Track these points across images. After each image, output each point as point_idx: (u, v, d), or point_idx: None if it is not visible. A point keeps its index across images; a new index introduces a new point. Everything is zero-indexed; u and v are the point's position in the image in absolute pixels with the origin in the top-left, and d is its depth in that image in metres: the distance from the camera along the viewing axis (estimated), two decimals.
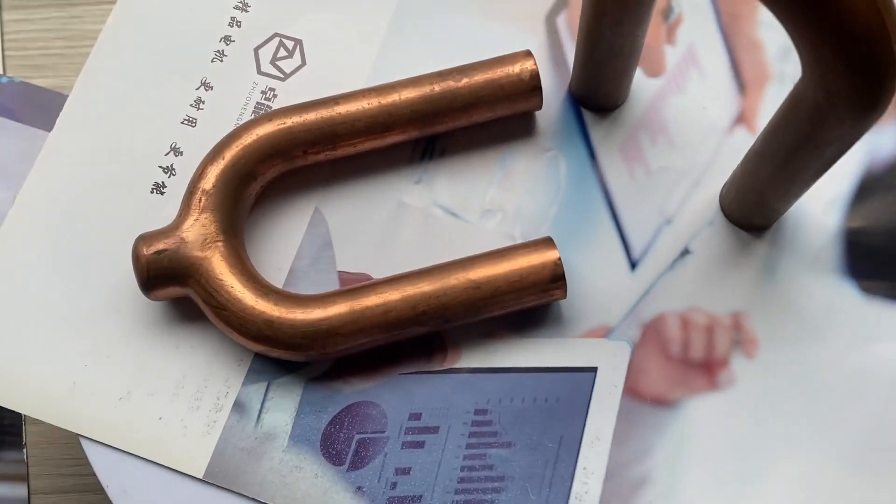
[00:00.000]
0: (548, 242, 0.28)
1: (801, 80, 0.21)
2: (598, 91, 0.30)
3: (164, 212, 0.30)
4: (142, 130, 0.31)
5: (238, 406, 0.28)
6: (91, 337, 0.29)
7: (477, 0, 0.33)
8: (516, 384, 0.28)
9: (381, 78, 0.32)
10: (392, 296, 0.27)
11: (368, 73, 0.32)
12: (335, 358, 0.28)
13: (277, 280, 0.29)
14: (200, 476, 0.27)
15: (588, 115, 0.31)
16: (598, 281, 0.29)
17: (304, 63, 0.32)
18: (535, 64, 0.29)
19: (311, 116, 0.29)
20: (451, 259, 0.29)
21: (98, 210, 0.30)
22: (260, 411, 0.28)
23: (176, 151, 0.31)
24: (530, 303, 0.28)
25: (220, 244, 0.27)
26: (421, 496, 0.27)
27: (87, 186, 0.30)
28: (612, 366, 0.29)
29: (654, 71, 0.32)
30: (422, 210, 0.30)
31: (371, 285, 0.27)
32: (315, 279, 0.29)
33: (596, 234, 0.30)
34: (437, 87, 0.29)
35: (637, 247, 0.30)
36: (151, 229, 0.29)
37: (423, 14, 0.33)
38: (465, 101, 0.29)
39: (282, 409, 0.28)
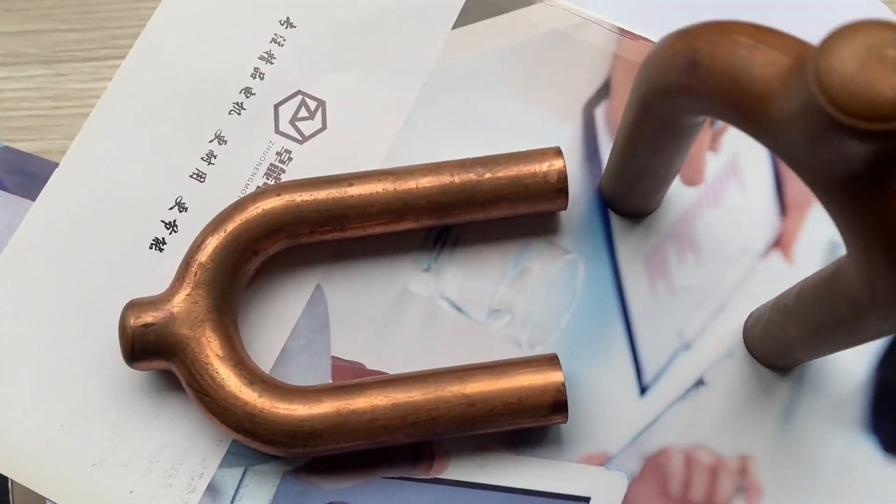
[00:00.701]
0: (552, 362, 0.26)
1: (847, 265, 0.19)
2: (629, 200, 0.28)
3: (160, 269, 0.29)
4: (147, 181, 0.30)
5: (212, 489, 0.27)
6: (71, 396, 0.28)
7: (513, 79, 0.31)
8: None
9: (403, 151, 0.30)
10: (381, 401, 0.25)
11: (390, 146, 0.30)
12: (314, 456, 0.27)
13: (268, 358, 0.28)
14: None
15: (615, 220, 0.29)
16: (604, 402, 0.28)
17: (324, 127, 0.30)
18: (564, 165, 0.28)
19: (322, 195, 0.27)
20: (450, 358, 0.28)
21: (92, 262, 0.29)
22: (233, 498, 0.27)
23: (181, 207, 0.30)
24: (527, 425, 0.26)
25: (209, 323, 0.26)
26: None
27: (82, 237, 0.29)
28: (606, 498, 0.27)
29: (692, 179, 0.30)
30: (427, 301, 0.29)
31: (360, 386, 0.26)
32: (307, 362, 0.28)
33: (608, 351, 0.28)
34: (456, 179, 0.27)
35: (649, 370, 0.28)
36: (143, 295, 0.28)
37: (455, 88, 0.31)
38: (485, 196, 0.28)
39: (256, 498, 0.27)
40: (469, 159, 0.28)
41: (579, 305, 0.29)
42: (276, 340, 0.28)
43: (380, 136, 0.30)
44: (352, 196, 0.27)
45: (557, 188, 0.28)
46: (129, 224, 0.29)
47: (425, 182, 0.27)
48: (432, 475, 0.27)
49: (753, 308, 0.28)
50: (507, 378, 0.26)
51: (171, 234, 0.29)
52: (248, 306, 0.29)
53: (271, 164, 0.30)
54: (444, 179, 0.27)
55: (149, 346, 0.26)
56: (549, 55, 0.31)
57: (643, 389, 0.28)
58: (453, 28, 0.31)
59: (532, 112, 0.31)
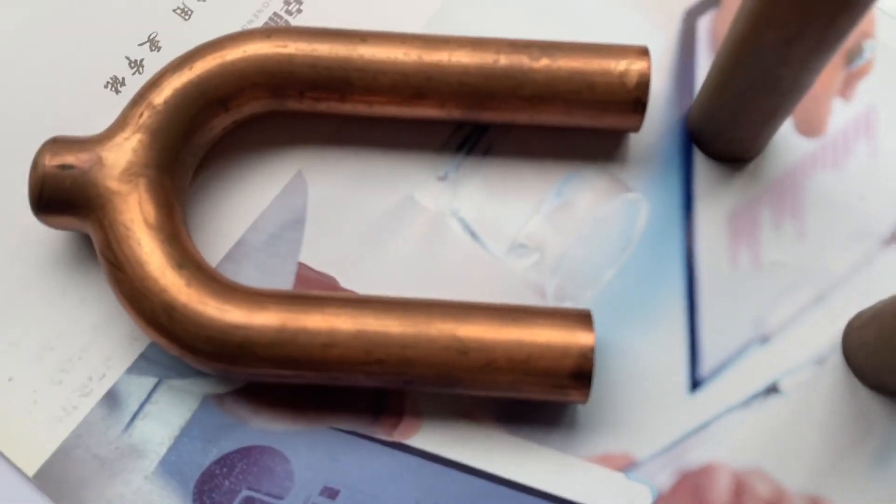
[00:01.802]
0: (584, 320, 0.19)
1: None
2: (724, 132, 0.21)
3: (111, 115, 0.23)
4: (119, 5, 0.24)
5: (111, 398, 0.21)
6: None
7: None
8: (482, 496, 0.20)
9: (449, 22, 0.23)
10: (343, 324, 0.19)
11: (433, 14, 0.24)
12: (245, 380, 0.20)
13: (216, 250, 0.22)
14: (30, 474, 0.20)
15: (700, 160, 0.22)
16: (640, 390, 0.21)
17: None
18: (649, 68, 0.21)
19: (324, 49, 0.21)
20: (448, 293, 0.21)
21: (30, 89, 0.23)
22: (136, 414, 0.21)
23: (153, 44, 0.23)
24: (533, 396, 0.19)
25: (146, 180, 0.20)
26: None
27: (25, 56, 0.23)
28: None
29: (810, 128, 0.23)
30: (434, 216, 0.22)
31: (320, 300, 0.19)
32: (265, 263, 0.22)
33: (658, 326, 0.21)
34: (503, 60, 0.21)
35: (709, 361, 0.21)
36: (78, 134, 0.22)
37: None
38: (535, 89, 0.21)
39: (164, 420, 0.20)
40: (524, 40, 0.21)
41: (632, 260, 0.22)
42: (233, 228, 0.22)
43: (419, 1, 0.24)
44: (361, 56, 0.21)
45: (634, 97, 0.21)
46: (86, 52, 0.23)
47: (461, 57, 0.21)
48: (396, 437, 0.20)
49: (864, 307, 0.21)
50: (519, 326, 0.19)
51: (133, 74, 0.23)
52: (205, 179, 0.22)
53: (275, 13, 0.24)
54: (487, 58, 0.21)
55: (62, 195, 0.20)
56: None
57: (695, 384, 0.21)
58: None
59: (620, 9, 0.24)
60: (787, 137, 0.23)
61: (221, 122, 0.21)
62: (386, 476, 0.20)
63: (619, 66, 0.21)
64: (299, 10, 0.24)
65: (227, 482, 0.20)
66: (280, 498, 0.20)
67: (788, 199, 0.22)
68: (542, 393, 0.19)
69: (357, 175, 0.22)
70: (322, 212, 0.22)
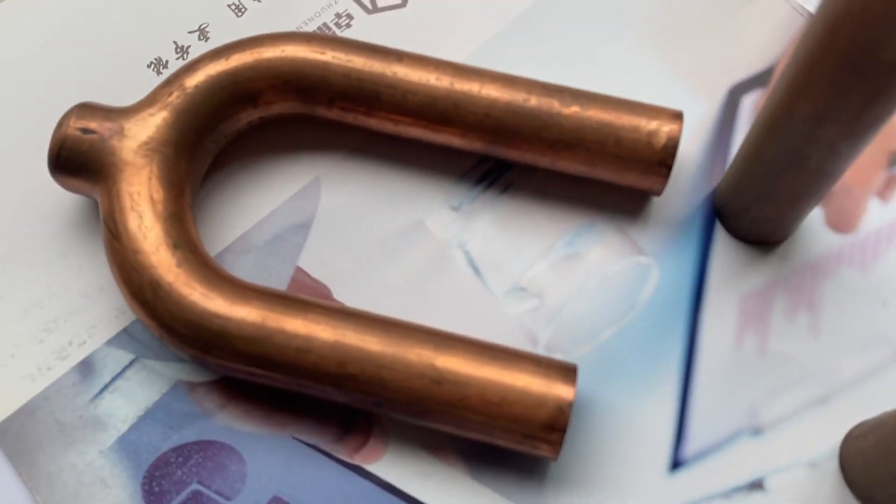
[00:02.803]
0: (567, 373, 0.18)
1: None
2: (749, 210, 0.20)
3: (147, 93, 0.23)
4: None
5: (86, 365, 0.21)
6: None
7: (655, 28, 0.24)
8: None
9: (490, 61, 0.23)
10: (322, 332, 0.18)
11: (477, 49, 0.24)
12: (217, 372, 0.20)
13: (219, 240, 0.22)
14: None
15: (722, 237, 0.22)
16: (616, 460, 0.20)
17: (403, 2, 0.24)
18: (680, 133, 0.20)
19: (359, 62, 0.21)
20: (438, 324, 0.21)
21: (76, 57, 0.23)
22: (106, 386, 0.20)
23: (202, 34, 0.24)
24: (502, 441, 0.19)
25: (160, 157, 0.20)
26: None
27: (79, 25, 0.24)
28: None
29: (842, 223, 0.22)
30: (440, 245, 0.22)
31: (305, 304, 0.19)
32: (264, 261, 0.21)
33: (647, 395, 0.20)
34: (533, 100, 0.20)
35: (694, 442, 0.20)
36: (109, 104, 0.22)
37: (580, 12, 0.24)
38: (560, 134, 0.20)
39: (131, 398, 0.20)
40: (558, 85, 0.21)
41: (633, 324, 0.21)
42: (240, 221, 0.22)
43: (469, 35, 0.24)
44: (395, 74, 0.21)
45: (660, 158, 0.20)
46: (138, 30, 0.24)
47: (492, 90, 0.21)
48: (357, 460, 0.20)
49: (869, 416, 0.20)
50: (499, 367, 0.18)
51: (177, 59, 0.24)
52: (223, 169, 0.22)
53: (324, 24, 0.24)
54: (517, 96, 0.21)
55: (79, 157, 0.20)
56: (710, 15, 0.24)
57: (676, 464, 0.20)
58: None
59: (663, 73, 0.23)
60: (815, 228, 0.22)
61: (248, 116, 0.21)
62: (338, 497, 0.19)
63: (650, 125, 0.20)
64: (349, 25, 0.24)
65: (179, 472, 0.20)
66: (228, 499, 0.19)
67: (807, 291, 0.21)
68: (511, 440, 0.18)
69: (372, 191, 0.22)
70: (330, 221, 0.22)
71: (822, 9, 0.15)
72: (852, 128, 0.16)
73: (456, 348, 0.19)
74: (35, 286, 0.21)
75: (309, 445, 0.20)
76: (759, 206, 0.20)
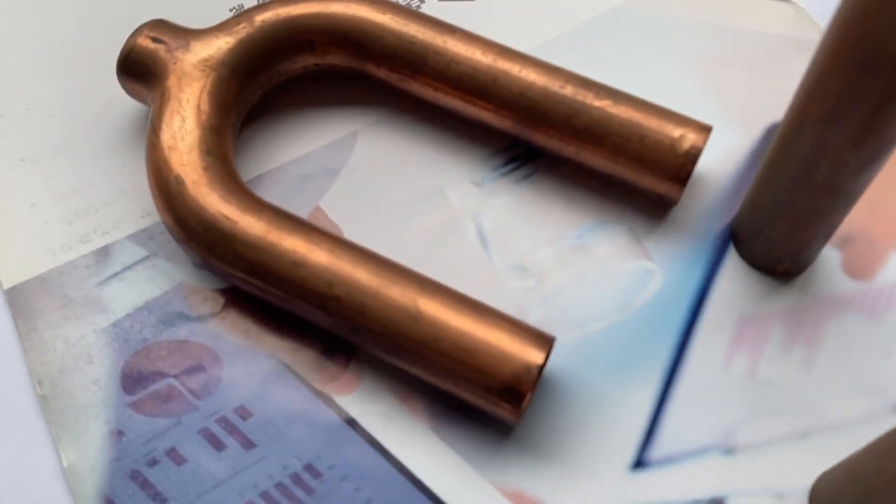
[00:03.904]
0: (542, 340, 0.18)
1: None
2: (761, 233, 0.20)
3: None
4: None
5: (103, 252, 0.22)
6: (54, 87, 0.24)
7: (706, 59, 0.25)
8: (378, 477, 0.19)
9: (550, 57, 0.24)
10: (317, 254, 0.19)
11: (530, 49, 0.25)
12: (217, 275, 0.21)
13: (253, 169, 0.23)
14: (5, 287, 0.21)
15: (733, 260, 0.22)
16: (579, 446, 0.19)
17: None
18: (704, 143, 0.21)
19: (413, 28, 0.22)
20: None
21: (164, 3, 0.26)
22: (116, 273, 0.22)
23: None
24: (466, 394, 0.19)
25: (216, 75, 0.21)
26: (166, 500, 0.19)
27: None
28: None
29: (858, 269, 0.21)
30: (454, 213, 0.22)
31: (310, 230, 0.20)
32: (288, 194, 0.23)
33: (624, 391, 0.20)
34: (568, 89, 0.21)
35: (662, 447, 0.20)
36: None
37: (643, 32, 0.25)
38: (588, 123, 0.21)
39: (136, 288, 0.21)
40: (597, 82, 0.22)
41: (626, 322, 0.21)
42: (276, 156, 0.23)
43: (527, 33, 0.25)
44: (444, 43, 0.22)
45: (681, 163, 0.21)
46: None
47: (531, 73, 0.22)
48: (328, 390, 0.20)
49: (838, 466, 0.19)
50: (477, 319, 0.19)
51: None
52: (272, 105, 0.24)
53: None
54: (554, 82, 0.21)
55: (144, 61, 0.22)
56: (764, 56, 0.25)
57: (639, 463, 0.19)
58: None
59: (706, 99, 0.24)
60: (829, 270, 0.21)
61: (303, 61, 0.23)
62: (301, 419, 0.20)
63: (677, 130, 0.21)
64: (419, 7, 0.25)
65: (160, 364, 0.20)
66: (198, 398, 0.20)
67: (809, 327, 0.21)
68: (474, 393, 0.18)
69: (402, 153, 0.23)
70: (358, 173, 0.23)
71: (837, 9, 0.15)
72: (861, 133, 0.16)
73: (441, 294, 0.19)
74: (79, 175, 0.23)
75: (286, 367, 0.20)
76: (770, 227, 0.20)
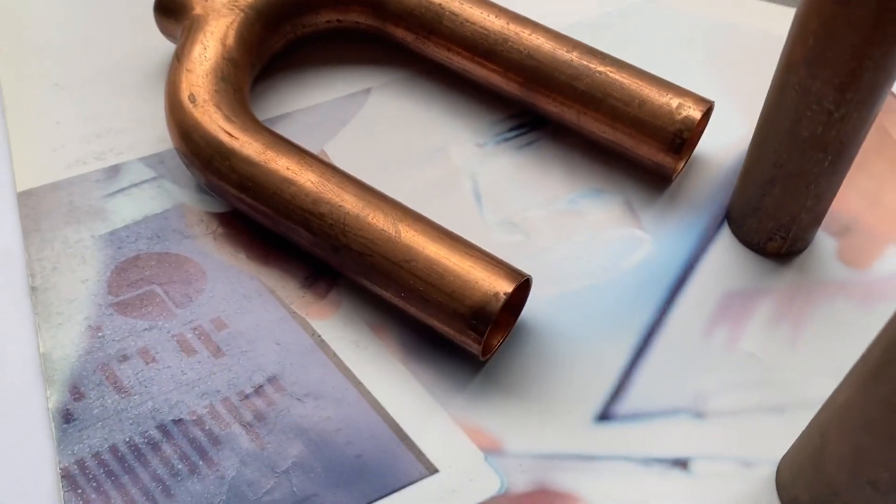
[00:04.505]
0: (516, 275, 0.18)
1: None
2: (751, 205, 0.20)
3: None
4: None
5: (114, 170, 0.23)
6: (98, 30, 0.26)
7: (723, 57, 0.25)
8: (341, 401, 0.19)
9: (587, 35, 0.25)
10: (306, 174, 0.20)
11: (576, 23, 0.25)
12: (213, 191, 0.21)
13: (267, 111, 0.24)
14: (18, 190, 0.22)
15: (726, 236, 0.21)
16: (547, 392, 0.19)
17: None
18: (704, 118, 0.21)
19: None
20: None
21: None
22: (123, 189, 0.22)
23: None
24: (434, 319, 0.19)
25: (242, 15, 0.23)
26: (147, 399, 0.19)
27: None
28: (458, 488, 0.18)
29: (855, 259, 0.21)
30: (454, 170, 0.23)
31: (303, 154, 0.20)
32: (296, 136, 0.23)
33: (598, 347, 0.20)
34: (574, 57, 0.22)
35: (630, 402, 0.19)
36: None
37: (656, 30, 0.26)
38: (590, 85, 0.21)
39: (138, 204, 0.22)
40: (603, 52, 0.22)
41: (609, 283, 0.21)
42: (292, 102, 0.24)
43: (573, 9, 0.26)
44: (461, 4, 0.23)
45: (677, 129, 0.21)
46: None
47: (540, 37, 0.22)
48: (306, 314, 0.20)
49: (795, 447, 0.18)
50: (454, 248, 0.19)
51: None
52: (293, 55, 0.25)
53: None
54: (561, 48, 0.22)
55: (178, 3, 0.23)
56: (771, 53, 0.25)
57: (605, 416, 0.19)
58: None
59: (720, 89, 0.24)
60: (825, 257, 0.21)
61: (327, 15, 0.24)
62: (272, 337, 0.20)
63: (676, 100, 0.21)
64: None
65: (148, 272, 0.21)
66: (177, 306, 0.20)
67: (797, 307, 0.20)
68: (442, 319, 0.18)
69: (412, 113, 0.24)
70: (366, 125, 0.24)
71: None
72: (840, 75, 0.16)
73: (422, 222, 0.19)
74: (104, 103, 0.24)
75: (268, 289, 0.21)
76: (760, 197, 0.20)
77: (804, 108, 0.17)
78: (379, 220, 0.19)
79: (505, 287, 0.18)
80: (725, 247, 0.21)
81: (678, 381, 0.19)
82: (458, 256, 0.19)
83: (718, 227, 0.22)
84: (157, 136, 0.23)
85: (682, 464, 0.18)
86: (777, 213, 0.20)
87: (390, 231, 0.19)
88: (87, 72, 0.25)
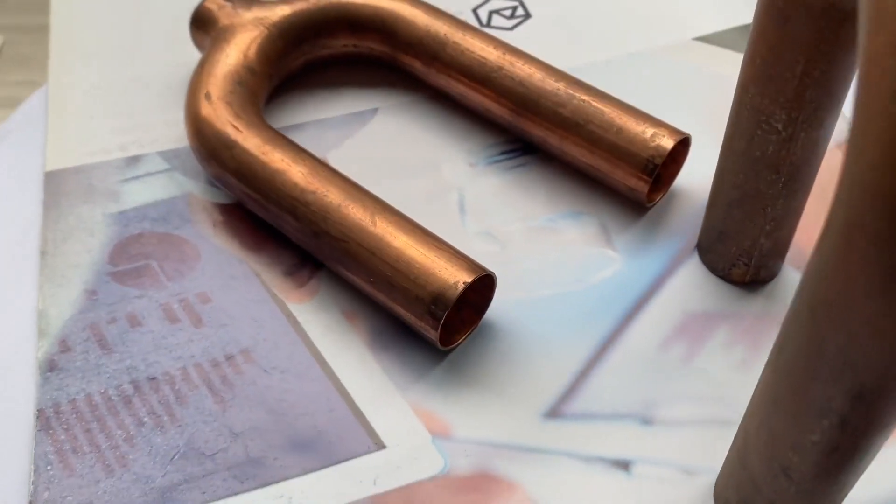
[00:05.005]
0: (477, 268, 0.20)
1: None
2: (716, 230, 0.21)
3: None
4: None
5: (134, 159, 0.25)
6: (141, 43, 0.28)
7: (714, 104, 0.26)
8: (305, 375, 0.20)
9: (595, 76, 0.27)
10: (299, 168, 0.21)
11: (584, 66, 0.27)
12: (215, 179, 0.23)
13: (279, 120, 0.26)
14: (46, 169, 0.25)
15: (695, 263, 0.22)
16: (500, 385, 0.20)
17: (528, 15, 0.29)
18: (676, 143, 0.22)
19: (439, 23, 0.25)
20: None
21: None
22: (138, 176, 0.24)
23: None
24: (398, 305, 0.20)
25: (266, 32, 0.25)
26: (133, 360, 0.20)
27: None
28: (403, 463, 0.19)
29: None
30: (444, 185, 0.24)
31: (301, 150, 0.22)
32: (302, 142, 0.25)
33: (555, 350, 0.21)
34: (561, 87, 0.23)
35: (579, 403, 0.20)
36: None
37: (649, 82, 0.27)
38: (572, 111, 0.23)
39: (149, 190, 0.24)
40: (591, 85, 0.24)
41: (574, 294, 0.22)
42: (304, 114, 0.26)
43: (581, 53, 0.27)
44: (463, 37, 0.25)
45: (649, 157, 0.22)
46: None
47: (532, 69, 0.24)
48: (285, 297, 0.22)
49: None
50: (424, 240, 0.20)
51: None
52: (309, 74, 0.27)
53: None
54: (549, 79, 0.24)
55: (211, 14, 0.25)
56: None
57: (552, 413, 0.19)
58: (695, 39, 0.28)
59: (699, 123, 0.25)
60: (790, 288, 0.22)
61: (345, 39, 0.26)
62: (251, 314, 0.21)
63: (653, 129, 0.22)
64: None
65: (148, 248, 0.23)
66: (168, 279, 0.22)
67: (755, 333, 0.21)
68: (404, 304, 0.20)
69: (413, 132, 0.26)
70: (367, 139, 0.25)
71: None
72: (783, 92, 0.17)
73: (399, 217, 0.21)
74: (136, 104, 0.26)
75: (255, 273, 0.22)
76: (722, 220, 0.21)
77: (755, 128, 0.18)
78: (358, 211, 0.21)
79: (465, 277, 0.19)
80: (692, 272, 0.22)
81: (630, 388, 0.20)
82: (426, 248, 0.20)
83: (689, 254, 0.22)
84: (178, 135, 0.26)
85: (623, 465, 0.19)
86: (738, 237, 0.21)
87: (367, 221, 0.20)
88: (125, 77, 0.27)
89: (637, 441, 0.19)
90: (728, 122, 0.19)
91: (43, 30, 0.29)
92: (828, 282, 0.12)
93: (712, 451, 0.19)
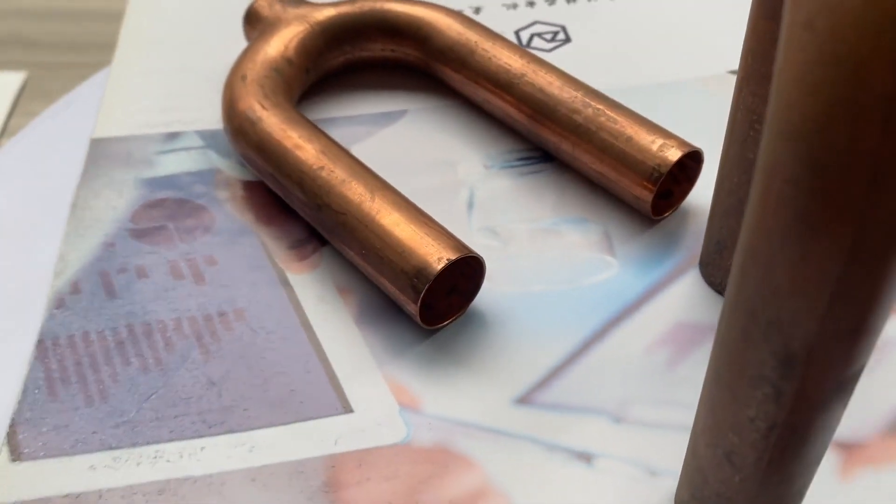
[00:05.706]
0: (462, 249, 0.20)
1: None
2: (714, 245, 0.21)
3: None
4: None
5: (173, 135, 0.26)
6: (197, 35, 0.30)
7: None
8: (291, 340, 0.21)
9: (625, 90, 0.27)
10: (314, 145, 0.22)
11: (619, 82, 0.28)
12: (244, 161, 0.24)
13: (312, 112, 0.27)
14: (94, 136, 0.26)
15: (694, 278, 0.22)
16: (475, 369, 0.20)
17: (568, 39, 0.30)
18: (683, 155, 0.22)
19: (470, 32, 0.26)
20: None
21: None
22: (174, 150, 0.26)
23: None
24: (385, 281, 0.20)
25: (308, 27, 0.26)
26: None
27: None
28: (368, 427, 0.19)
29: None
30: (457, 181, 0.25)
31: (319, 132, 0.23)
32: (334, 136, 0.26)
33: (540, 343, 0.20)
34: (579, 96, 0.24)
35: (551, 395, 0.19)
36: None
37: (666, 104, 0.27)
38: (585, 119, 0.23)
39: (182, 163, 0.25)
40: (608, 97, 0.24)
41: (567, 292, 0.22)
42: (335, 109, 0.27)
43: (615, 78, 0.28)
44: (493, 45, 0.26)
45: (654, 166, 0.22)
46: None
47: (553, 79, 0.24)
48: (286, 268, 0.22)
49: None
50: (419, 219, 0.20)
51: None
52: (347, 72, 0.28)
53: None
54: (568, 87, 0.24)
55: (262, 11, 0.27)
56: None
57: (523, 400, 0.19)
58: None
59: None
60: None
61: (383, 44, 0.27)
62: (250, 278, 0.22)
63: (662, 140, 0.22)
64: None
65: (169, 211, 0.24)
66: (181, 241, 0.23)
67: None
68: (390, 276, 0.20)
69: (436, 134, 0.26)
70: (393, 137, 0.26)
71: None
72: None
73: (398, 196, 0.21)
74: (185, 88, 0.28)
75: (262, 243, 0.23)
76: (720, 230, 0.20)
77: (748, 129, 0.18)
78: (360, 188, 0.21)
79: (449, 254, 0.20)
80: (690, 285, 0.22)
81: (606, 386, 0.20)
82: (417, 225, 0.20)
83: (689, 268, 0.22)
84: (217, 118, 0.27)
85: (586, 458, 0.18)
86: (734, 247, 0.20)
87: (366, 197, 0.21)
88: (180, 65, 0.29)
89: (604, 436, 0.19)
90: (727, 127, 0.19)
91: (69, 66, 0.32)
92: (752, 230, 0.12)
93: (680, 456, 0.18)
